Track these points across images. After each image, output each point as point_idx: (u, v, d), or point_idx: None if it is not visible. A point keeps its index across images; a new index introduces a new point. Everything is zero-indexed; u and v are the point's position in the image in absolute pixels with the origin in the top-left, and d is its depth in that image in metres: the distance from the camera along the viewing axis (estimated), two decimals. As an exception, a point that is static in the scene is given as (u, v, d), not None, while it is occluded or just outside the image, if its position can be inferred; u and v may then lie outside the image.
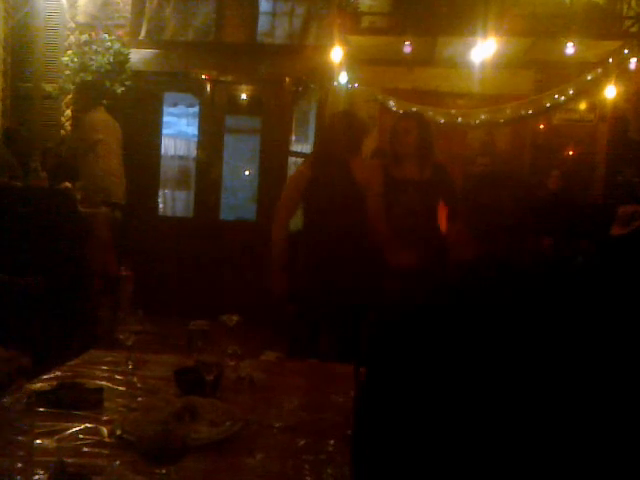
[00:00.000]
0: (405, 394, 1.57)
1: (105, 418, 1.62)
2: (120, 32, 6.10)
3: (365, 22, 5.68)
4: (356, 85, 5.57)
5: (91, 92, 5.40)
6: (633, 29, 5.18)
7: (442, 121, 5.54)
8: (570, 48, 5.10)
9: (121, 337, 2.07)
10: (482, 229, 1.75)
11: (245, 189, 7.41)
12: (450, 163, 5.66)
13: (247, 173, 7.70)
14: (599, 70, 5.25)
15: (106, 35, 5.98)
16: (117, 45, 5.94)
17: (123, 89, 5.83)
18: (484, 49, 5.03)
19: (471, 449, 1.48)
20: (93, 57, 5.88)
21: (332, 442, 1.56)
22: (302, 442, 1.55)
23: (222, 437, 1.53)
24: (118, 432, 1.51)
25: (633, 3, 5.29)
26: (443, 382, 1.53)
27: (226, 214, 6.66)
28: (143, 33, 6.25)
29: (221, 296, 5.05)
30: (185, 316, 2.55)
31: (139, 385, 1.89)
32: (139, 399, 1.78)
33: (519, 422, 1.49)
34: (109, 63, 5.86)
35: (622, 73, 5.09)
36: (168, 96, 6.63)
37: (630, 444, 1.64)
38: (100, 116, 5.44)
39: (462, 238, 1.85)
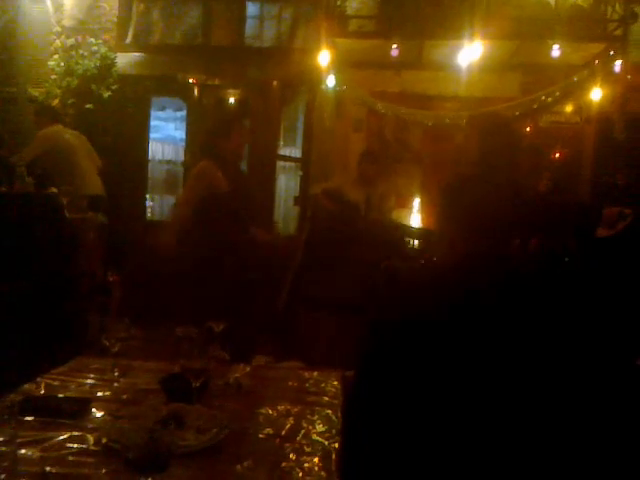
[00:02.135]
0: (394, 399, 1.57)
1: (91, 426, 1.61)
2: (107, 36, 6.08)
3: (353, 25, 5.68)
4: (344, 88, 5.57)
5: (50, 113, 5.34)
6: (617, 32, 5.21)
7: (430, 124, 5.55)
8: (556, 51, 5.13)
9: (107, 344, 2.05)
10: (469, 229, 1.75)
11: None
12: (438, 165, 5.71)
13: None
14: (584, 72, 5.28)
15: (92, 39, 5.96)
16: (104, 49, 5.92)
17: (110, 93, 5.81)
18: (471, 52, 5.05)
19: (462, 459, 1.48)
20: (79, 61, 5.86)
21: (320, 448, 1.56)
22: (289, 449, 1.54)
23: (208, 444, 1.52)
24: (104, 440, 1.50)
25: (617, 6, 5.32)
26: (434, 389, 1.53)
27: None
28: (130, 37, 6.24)
29: (210, 301, 5.02)
30: (173, 322, 2.53)
31: (125, 392, 1.88)
32: (125, 407, 1.77)
33: (508, 432, 1.49)
34: (95, 67, 5.84)
35: (607, 75, 5.12)
36: (156, 100, 6.60)
37: (615, 439, 1.65)
38: (54, 128, 5.29)
39: (450, 239, 1.85)
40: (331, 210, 4.55)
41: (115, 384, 1.93)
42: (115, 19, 6.15)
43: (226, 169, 3.52)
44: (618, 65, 5.05)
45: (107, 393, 1.87)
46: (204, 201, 3.47)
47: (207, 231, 3.53)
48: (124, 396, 1.85)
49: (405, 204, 5.59)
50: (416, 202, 5.58)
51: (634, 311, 2.83)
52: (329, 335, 3.94)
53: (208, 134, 3.71)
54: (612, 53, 5.08)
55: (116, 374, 2.02)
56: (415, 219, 5.47)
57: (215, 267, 3.48)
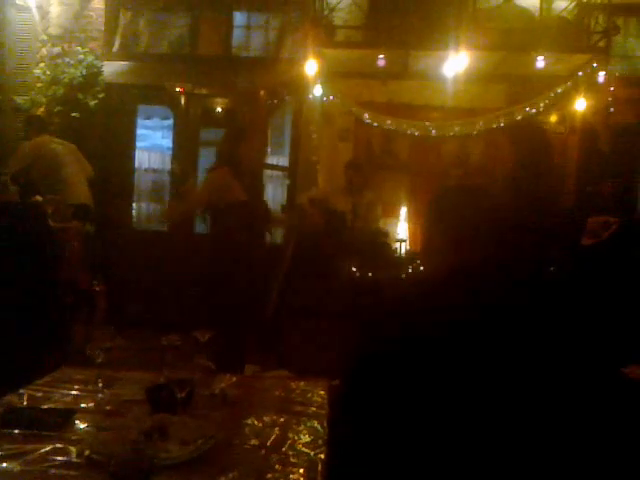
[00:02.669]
0: (380, 410, 1.57)
1: (74, 438, 1.59)
2: (93, 44, 6.06)
3: (340, 36, 5.72)
4: (331, 98, 5.59)
5: (37, 123, 5.32)
6: (601, 43, 5.29)
7: (416, 134, 5.59)
8: (540, 62, 5.19)
9: (91, 354, 2.03)
10: (456, 241, 1.76)
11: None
12: (425, 175, 5.74)
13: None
14: (569, 83, 5.35)
15: (79, 48, 5.94)
16: (90, 58, 5.90)
17: (96, 102, 5.79)
18: (457, 63, 5.10)
19: (448, 469, 1.48)
20: (65, 70, 5.83)
21: (306, 459, 1.55)
22: (275, 459, 1.53)
23: (193, 455, 1.50)
24: (87, 452, 1.48)
25: (600, 18, 5.40)
26: (419, 400, 1.53)
27: (201, 227, 6.61)
28: (117, 46, 6.22)
29: (196, 311, 5.00)
30: (160, 331, 2.52)
31: (110, 403, 1.86)
32: (109, 418, 1.75)
33: (495, 444, 1.49)
34: (82, 76, 5.81)
35: (591, 86, 5.19)
36: (143, 109, 6.58)
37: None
38: (41, 139, 5.27)
39: (436, 250, 1.86)
40: (318, 219, 4.56)
41: (99, 395, 1.91)
42: (102, 27, 6.13)
43: (242, 177, 3.57)
44: (601, 76, 5.12)
45: (91, 404, 1.85)
46: (221, 211, 3.50)
47: (223, 240, 3.54)
48: (108, 407, 1.83)
49: (392, 213, 5.62)
50: (403, 211, 5.61)
51: (618, 319, 2.85)
52: (316, 344, 3.93)
53: (226, 142, 3.76)
54: (595, 65, 5.15)
55: (100, 385, 1.99)
56: (402, 228, 5.49)
57: (227, 277, 3.49)
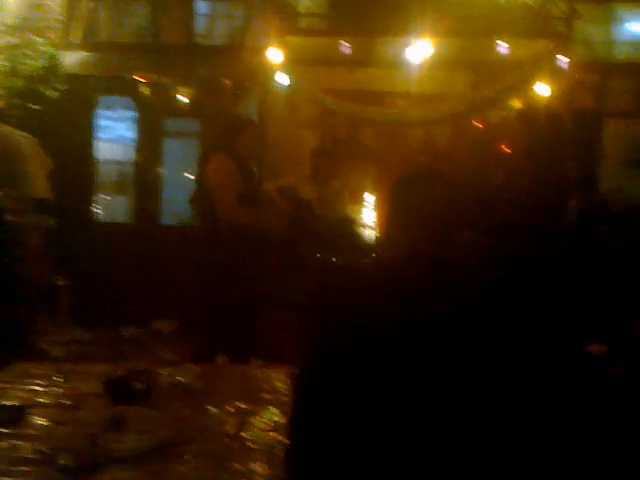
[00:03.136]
0: (340, 397, 1.56)
1: (29, 434, 1.56)
2: (52, 35, 5.91)
3: (304, 23, 5.68)
4: (296, 86, 5.55)
5: None
6: (562, 29, 5.35)
7: (382, 121, 5.59)
8: (503, 48, 5.23)
9: (49, 348, 2.00)
10: (414, 226, 1.76)
11: (189, 193, 7.28)
12: (391, 162, 5.75)
13: (191, 177, 7.58)
14: (531, 69, 5.40)
15: (38, 38, 5.78)
16: (50, 48, 5.75)
17: (57, 93, 5.65)
18: (421, 49, 5.10)
19: (405, 457, 1.48)
20: (25, 61, 5.68)
21: (267, 446, 1.54)
22: (236, 448, 1.52)
23: (152, 446, 1.48)
24: (41, 448, 1.45)
25: (561, 4, 5.46)
26: (379, 386, 1.53)
27: (169, 219, 6.54)
28: (77, 36, 6.09)
29: (164, 302, 4.95)
30: (126, 324, 2.49)
31: (68, 397, 1.82)
32: (67, 412, 1.71)
33: (454, 429, 1.50)
34: (42, 67, 5.67)
35: (553, 71, 5.25)
36: (105, 100, 6.46)
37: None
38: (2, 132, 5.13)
39: (395, 235, 1.85)
40: (285, 207, 4.54)
41: (57, 389, 1.87)
42: (60, 17, 5.99)
43: (239, 164, 3.62)
44: (563, 61, 5.18)
45: (48, 399, 1.82)
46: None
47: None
48: (66, 401, 1.79)
49: (359, 200, 5.62)
50: (370, 198, 5.62)
51: (583, 301, 2.91)
52: (287, 332, 3.93)
53: (224, 130, 3.86)
54: (556, 50, 5.21)
55: (59, 379, 1.95)
56: (369, 215, 5.50)
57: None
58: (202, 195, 3.68)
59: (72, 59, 5.87)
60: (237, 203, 3.56)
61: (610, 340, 2.42)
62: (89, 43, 6.09)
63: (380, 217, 5.22)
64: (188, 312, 4.54)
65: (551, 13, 5.52)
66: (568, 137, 5.22)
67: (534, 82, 5.26)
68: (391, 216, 1.90)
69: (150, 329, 2.11)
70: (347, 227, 5.02)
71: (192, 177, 6.39)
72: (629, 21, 6.23)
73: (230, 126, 3.82)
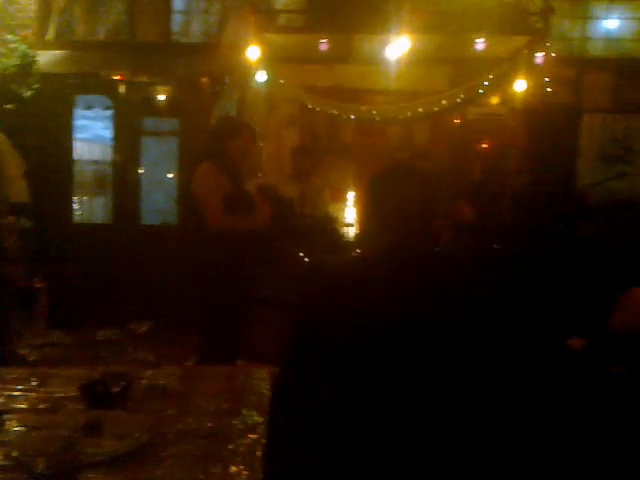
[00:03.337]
0: (318, 397, 1.55)
1: (2, 440, 1.53)
2: (26, 33, 5.82)
3: (281, 20, 5.65)
4: (275, 83, 5.53)
5: None
6: (538, 25, 5.39)
7: (361, 118, 5.59)
8: (481, 44, 5.26)
9: (26, 352, 1.96)
10: (390, 222, 1.75)
11: (168, 192, 7.23)
12: (371, 159, 5.76)
13: (170, 176, 7.52)
14: (508, 65, 5.44)
15: (10, 36, 5.69)
16: (23, 46, 5.66)
17: (31, 93, 5.56)
18: (399, 46, 5.11)
19: (381, 458, 1.47)
20: (-3, 59, 5.59)
21: (246, 447, 1.53)
22: (214, 448, 1.51)
23: (128, 449, 1.46)
24: (14, 454, 1.42)
25: (537, 1, 5.50)
26: (355, 384, 1.52)
27: (149, 218, 6.48)
28: (51, 34, 6.00)
29: (144, 303, 4.91)
30: (105, 326, 2.45)
31: (43, 402, 1.79)
32: (42, 416, 1.68)
33: (435, 428, 1.49)
34: (15, 65, 5.58)
35: (530, 67, 5.29)
36: (82, 99, 6.37)
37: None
38: None
39: (372, 231, 1.84)
40: (266, 206, 4.51)
41: (32, 394, 1.84)
42: (34, 15, 5.89)
43: (228, 172, 3.40)
44: (539, 57, 5.22)
45: (23, 404, 1.78)
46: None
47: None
48: (41, 406, 1.76)
49: (340, 198, 5.62)
50: (350, 196, 5.62)
51: (562, 294, 2.93)
52: (270, 332, 3.91)
53: (213, 134, 3.59)
54: (533, 46, 5.25)
55: (34, 383, 1.92)
56: (350, 213, 5.50)
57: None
58: (188, 198, 3.59)
59: (47, 57, 5.77)
60: (224, 210, 3.44)
61: (589, 334, 2.44)
62: (64, 41, 6.00)
63: (358, 214, 5.22)
64: (169, 312, 4.52)
65: (528, 9, 5.56)
66: (545, 132, 5.27)
67: (512, 78, 5.30)
68: (367, 213, 1.89)
69: (128, 330, 2.08)
70: (328, 225, 5.01)
71: (175, 177, 6.37)
72: (604, 18, 6.29)
73: (225, 128, 3.56)
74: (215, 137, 3.53)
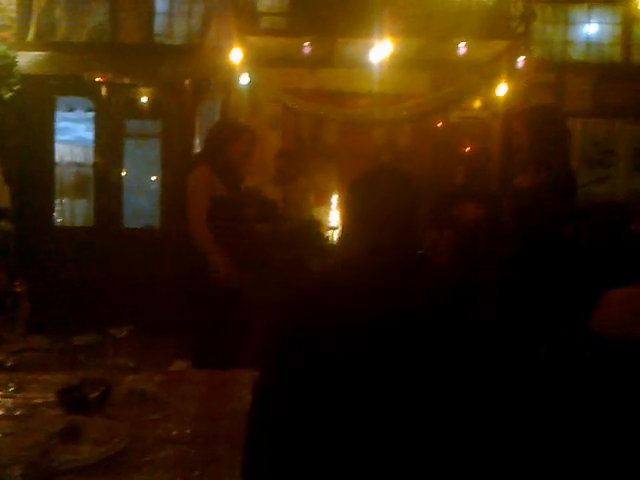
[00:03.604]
0: (296, 405, 1.55)
1: (-23, 447, 1.51)
2: (5, 33, 5.76)
3: (265, 23, 5.65)
4: (258, 86, 5.53)
5: None
6: (519, 29, 5.44)
7: (344, 120, 5.60)
8: (462, 48, 5.30)
9: (1, 358, 1.94)
10: (371, 224, 1.75)
11: (151, 195, 7.20)
12: (355, 161, 5.77)
13: (153, 178, 7.49)
14: (490, 69, 5.48)
15: (-11, 37, 5.64)
16: (3, 47, 5.61)
17: (12, 94, 5.51)
18: (381, 49, 5.13)
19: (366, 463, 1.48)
20: (-24, 61, 5.53)
21: (225, 454, 1.52)
22: (192, 453, 1.50)
23: (107, 456, 1.45)
24: (-11, 461, 1.40)
25: (519, 5, 5.55)
26: (334, 397, 1.52)
27: (132, 221, 6.45)
28: (31, 35, 5.94)
29: (126, 307, 4.88)
30: (85, 330, 2.44)
31: (20, 408, 1.77)
32: (18, 423, 1.67)
33: (419, 446, 1.49)
34: (-5, 67, 5.53)
35: (511, 72, 5.33)
36: (64, 101, 6.31)
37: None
38: None
39: (353, 234, 1.85)
40: (249, 209, 4.51)
41: (9, 400, 1.82)
42: (14, 16, 5.84)
43: (225, 177, 3.38)
44: (520, 61, 5.26)
45: (0, 410, 1.76)
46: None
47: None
48: (18, 412, 1.74)
49: (324, 201, 5.62)
50: (334, 199, 5.63)
51: (542, 296, 2.95)
52: (253, 336, 3.90)
53: (213, 137, 3.56)
54: (514, 50, 5.30)
55: (11, 389, 1.90)
56: (334, 216, 5.51)
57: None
58: (179, 198, 3.57)
59: (27, 59, 5.72)
60: (205, 221, 3.44)
61: (569, 335, 2.47)
62: (45, 42, 5.95)
63: (341, 217, 5.24)
64: (151, 316, 4.49)
65: (509, 14, 5.60)
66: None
67: (493, 82, 5.34)
68: (349, 216, 1.89)
69: (108, 335, 2.06)
70: (313, 228, 5.01)
71: (158, 180, 6.33)
72: (584, 22, 6.37)
73: (225, 131, 3.52)
74: (215, 140, 3.51)
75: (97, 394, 1.66)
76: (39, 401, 1.81)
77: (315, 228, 5.03)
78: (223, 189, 3.38)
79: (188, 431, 1.63)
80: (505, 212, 3.22)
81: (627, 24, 6.14)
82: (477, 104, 5.78)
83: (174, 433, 1.62)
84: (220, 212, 3.39)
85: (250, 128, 3.66)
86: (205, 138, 3.77)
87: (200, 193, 3.37)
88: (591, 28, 6.35)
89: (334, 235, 5.27)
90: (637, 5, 4.74)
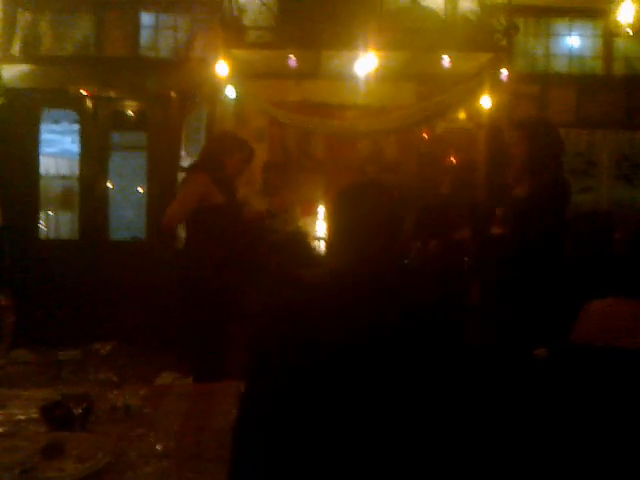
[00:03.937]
0: (281, 415, 1.55)
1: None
2: (-9, 47, 5.75)
3: (250, 36, 5.67)
4: (244, 98, 5.55)
5: None
6: (503, 42, 5.51)
7: (330, 132, 5.63)
8: (447, 61, 5.35)
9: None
10: (357, 235, 1.76)
11: (137, 207, 7.18)
12: (341, 172, 5.79)
13: (141, 190, 7.47)
14: (474, 81, 5.54)
15: (-27, 50, 5.63)
16: (-14, 61, 5.60)
17: (-4, 107, 5.50)
18: (366, 62, 5.17)
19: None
20: (-39, 74, 5.51)
21: (211, 468, 1.52)
22: (177, 470, 1.49)
23: (90, 472, 1.44)
24: (-29, 479, 1.39)
25: (502, 19, 5.62)
26: (319, 403, 1.52)
27: (118, 234, 6.42)
28: (16, 48, 5.94)
29: (111, 321, 4.85)
30: (69, 345, 2.42)
31: (2, 424, 1.75)
32: (1, 440, 1.65)
33: (404, 454, 1.50)
34: (-21, 80, 5.51)
35: (495, 84, 5.39)
36: (49, 113, 6.30)
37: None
38: None
39: (338, 245, 1.86)
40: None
41: (-9, 416, 1.80)
42: (-1, 29, 5.83)
43: (222, 186, 3.44)
44: (504, 74, 5.33)
45: (-18, 427, 1.74)
46: (199, 213, 3.39)
47: (203, 244, 3.45)
48: (1, 429, 1.73)
49: (310, 213, 5.64)
50: (321, 210, 5.64)
51: (529, 303, 2.97)
52: (240, 348, 3.88)
53: (211, 149, 3.67)
54: (498, 63, 5.36)
55: (-7, 405, 1.88)
56: (320, 227, 5.52)
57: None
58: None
59: (12, 72, 5.72)
60: (178, 221, 3.51)
61: (552, 345, 2.48)
62: (30, 56, 5.94)
63: (327, 228, 5.24)
64: (136, 331, 4.46)
65: (492, 27, 5.67)
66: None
67: (478, 94, 5.40)
68: (334, 227, 1.91)
69: (92, 350, 2.05)
70: (299, 239, 5.02)
71: (144, 192, 6.30)
72: (566, 35, 6.46)
73: (224, 144, 3.60)
74: (213, 152, 3.58)
75: (80, 410, 1.65)
76: (22, 417, 1.80)
77: (302, 239, 5.04)
78: (221, 198, 3.42)
79: (173, 446, 1.63)
80: (494, 221, 3.25)
81: (608, 37, 6.23)
82: (462, 115, 5.84)
83: (159, 448, 1.61)
84: (219, 220, 3.41)
85: (248, 144, 3.75)
86: (204, 148, 3.82)
87: (191, 197, 3.41)
88: (573, 41, 6.43)
89: (320, 246, 5.28)
90: (617, 18, 4.82)
